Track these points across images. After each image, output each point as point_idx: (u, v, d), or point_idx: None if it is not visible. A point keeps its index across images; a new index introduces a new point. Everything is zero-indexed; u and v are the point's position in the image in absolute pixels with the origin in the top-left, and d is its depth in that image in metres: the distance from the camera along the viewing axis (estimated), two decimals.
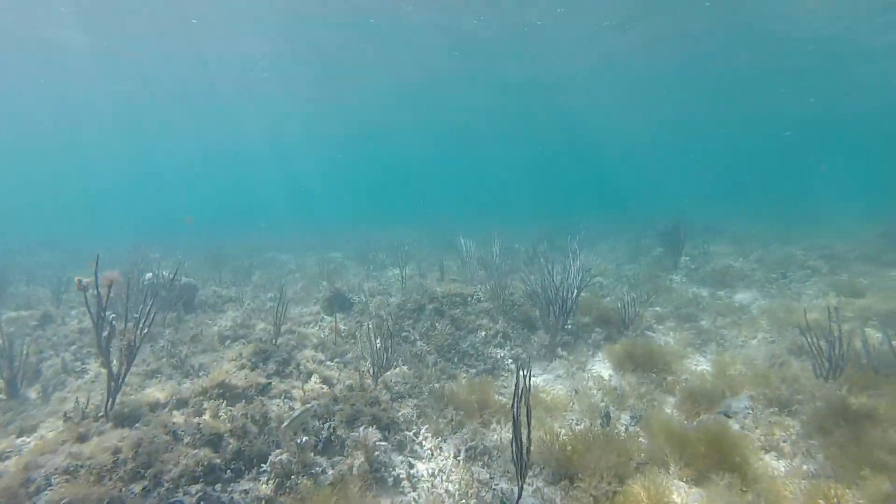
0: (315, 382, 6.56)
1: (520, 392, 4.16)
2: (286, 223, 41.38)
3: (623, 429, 6.05)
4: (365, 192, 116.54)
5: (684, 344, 9.08)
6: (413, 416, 5.96)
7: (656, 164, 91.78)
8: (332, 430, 5.32)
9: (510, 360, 8.44)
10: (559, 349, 8.81)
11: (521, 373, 4.18)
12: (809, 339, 6.63)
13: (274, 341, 7.57)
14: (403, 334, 8.79)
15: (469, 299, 10.18)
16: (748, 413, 6.17)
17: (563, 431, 5.67)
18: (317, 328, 9.48)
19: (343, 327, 9.26)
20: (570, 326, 9.42)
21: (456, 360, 8.22)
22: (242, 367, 6.44)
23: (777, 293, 11.91)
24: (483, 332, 8.97)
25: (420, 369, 7.57)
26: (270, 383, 6.17)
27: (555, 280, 9.17)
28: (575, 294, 9.06)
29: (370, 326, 9.05)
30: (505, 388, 7.67)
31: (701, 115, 41.86)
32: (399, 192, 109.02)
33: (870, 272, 12.64)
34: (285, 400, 5.93)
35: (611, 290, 13.38)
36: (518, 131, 48.92)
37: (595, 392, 7.30)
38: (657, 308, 11.45)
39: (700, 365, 8.37)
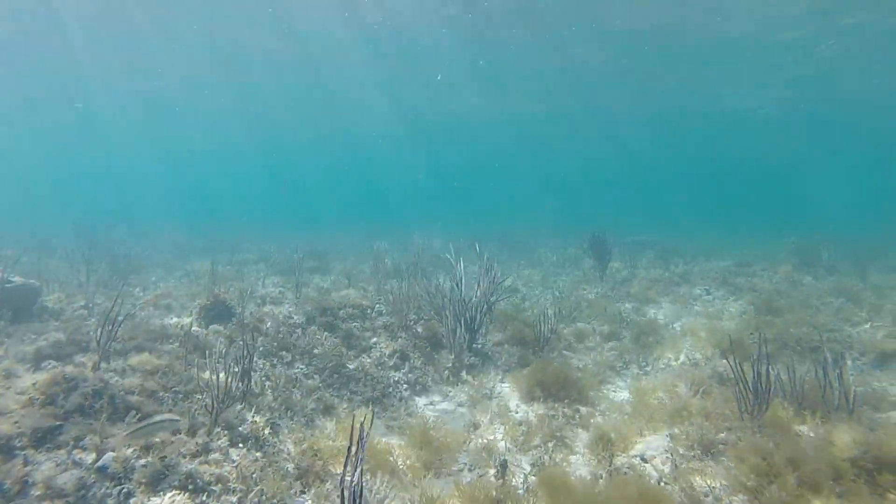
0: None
1: (354, 456, 2.91)
2: (264, 221, 38.38)
3: (522, 480, 4.94)
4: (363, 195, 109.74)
5: (604, 366, 8.19)
6: (234, 475, 4.52)
7: (602, 179, 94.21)
8: (125, 496, 3.86)
9: (406, 386, 7.20)
10: (464, 372, 7.67)
11: (357, 421, 2.93)
12: (734, 368, 5.82)
13: (96, 366, 5.91)
14: (281, 353, 7.34)
15: (369, 311, 8.87)
16: (667, 458, 5.23)
17: (444, 493, 4.48)
18: (176, 344, 7.83)
19: (218, 342, 7.68)
20: (479, 345, 8.31)
21: (338, 385, 6.88)
22: (29, 403, 4.81)
23: (700, 310, 11.42)
24: (378, 352, 7.68)
25: (290, 398, 6.16)
26: (62, 426, 4.59)
27: (462, 291, 8.05)
28: (484, 308, 7.97)
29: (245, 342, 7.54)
30: (394, 420, 6.41)
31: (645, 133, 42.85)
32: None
33: (785, 291, 12.46)
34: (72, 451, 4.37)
35: (536, 302, 12.49)
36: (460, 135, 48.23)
37: (497, 427, 6.19)
38: (579, 324, 10.60)
39: (619, 392, 7.49)
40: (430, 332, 8.43)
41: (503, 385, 7.53)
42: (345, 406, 6.47)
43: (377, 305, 9.04)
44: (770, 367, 5.68)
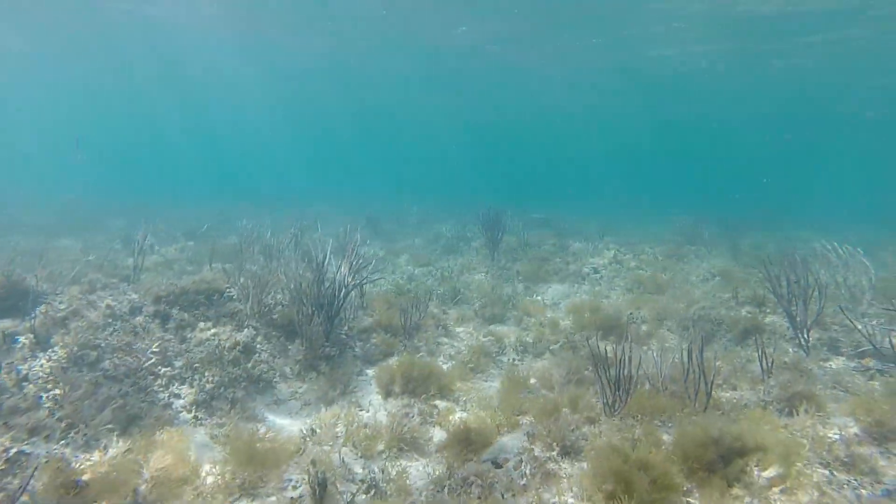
0: None
1: None
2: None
3: (347, 500, 4.12)
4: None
5: (479, 353, 7.58)
6: None
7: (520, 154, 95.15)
8: None
9: (244, 384, 6.14)
10: (323, 364, 6.73)
11: None
12: (596, 359, 5.35)
13: None
14: (84, 353, 5.97)
15: (216, 297, 7.63)
16: (520, 460, 4.64)
17: None
18: None
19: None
20: (342, 333, 7.39)
21: (153, 389, 5.68)
22: None
23: (588, 289, 11.25)
24: (214, 344, 6.53)
25: (78, 412, 4.91)
26: None
27: (323, 271, 7.06)
28: (344, 292, 7.04)
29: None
30: (220, 427, 5.36)
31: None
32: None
33: (670, 266, 12.69)
34: None
35: (421, 282, 11.74)
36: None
37: (340, 429, 5.33)
38: (463, 307, 10.00)
39: (490, 382, 6.91)
40: (286, 319, 7.37)
41: (361, 378, 6.69)
42: (157, 415, 5.31)
43: (227, 290, 7.80)
44: (633, 352, 5.28)
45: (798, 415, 5.05)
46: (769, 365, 6.07)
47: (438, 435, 5.36)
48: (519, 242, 15.22)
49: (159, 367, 5.98)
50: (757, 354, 6.36)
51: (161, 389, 5.76)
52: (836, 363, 6.85)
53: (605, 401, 5.27)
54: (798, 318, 7.20)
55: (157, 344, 6.29)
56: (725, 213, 21.00)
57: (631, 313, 9.07)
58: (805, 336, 7.09)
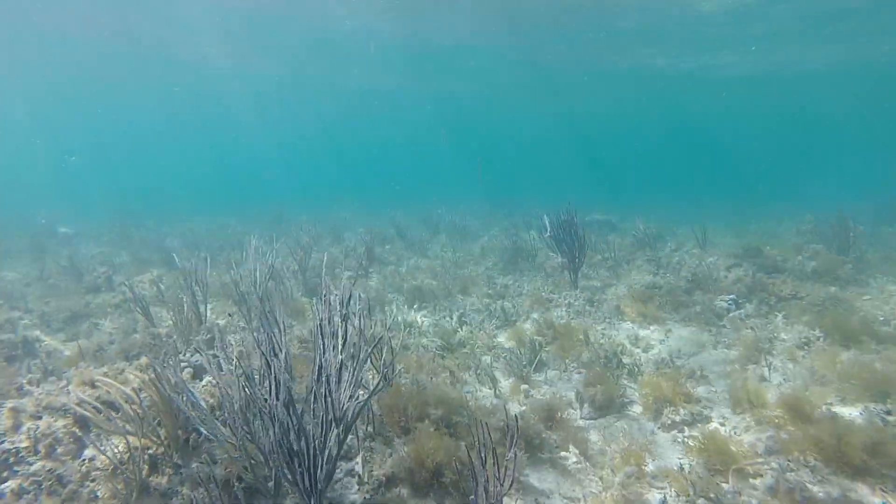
0: None
1: None
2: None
3: None
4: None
5: None
6: None
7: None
8: None
9: None
10: None
11: None
12: None
13: None
14: None
15: None
16: None
17: None
18: None
19: None
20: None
21: None
22: None
23: (734, 338, 7.25)
24: None
25: None
26: None
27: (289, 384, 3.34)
28: (340, 425, 3.29)
29: None
30: None
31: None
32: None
33: (840, 296, 8.53)
34: None
35: (474, 334, 7.98)
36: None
37: None
38: (550, 372, 6.19)
39: None
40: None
41: None
42: None
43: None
44: None
45: None
46: None
47: None
48: (598, 255, 11.24)
49: None
50: None
51: None
52: None
53: None
54: None
55: None
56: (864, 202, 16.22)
57: (854, 402, 5.04)
58: None
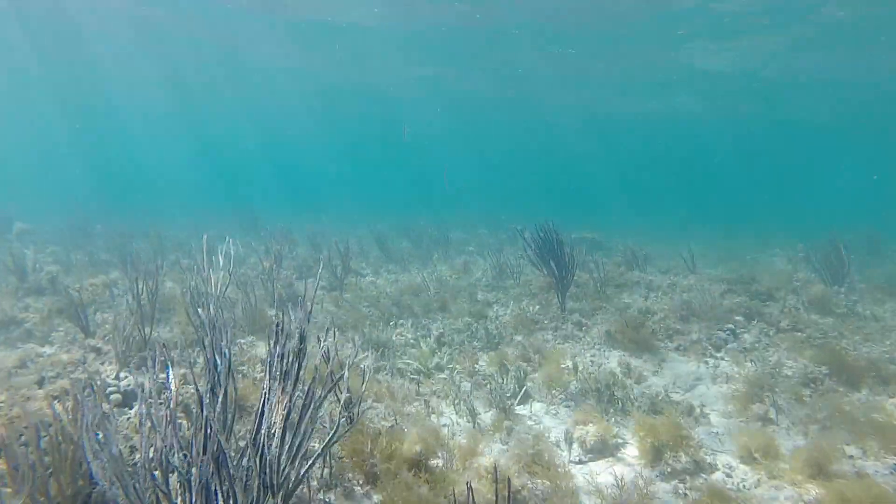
0: None
1: None
2: None
3: None
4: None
5: None
6: None
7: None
8: None
9: None
10: None
11: None
12: None
13: None
14: None
15: None
16: None
17: None
18: None
19: None
20: None
21: None
22: None
23: (733, 371, 6.72)
24: None
25: None
26: None
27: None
28: None
29: None
30: None
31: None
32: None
33: (838, 326, 8.10)
34: None
35: (458, 351, 7.34)
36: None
37: None
38: (535, 404, 5.55)
39: None
40: None
41: None
42: None
43: None
44: None
45: None
46: None
47: None
48: (590, 277, 10.70)
49: None
50: None
51: None
52: None
53: None
54: None
55: None
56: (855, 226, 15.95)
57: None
58: None
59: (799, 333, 7.74)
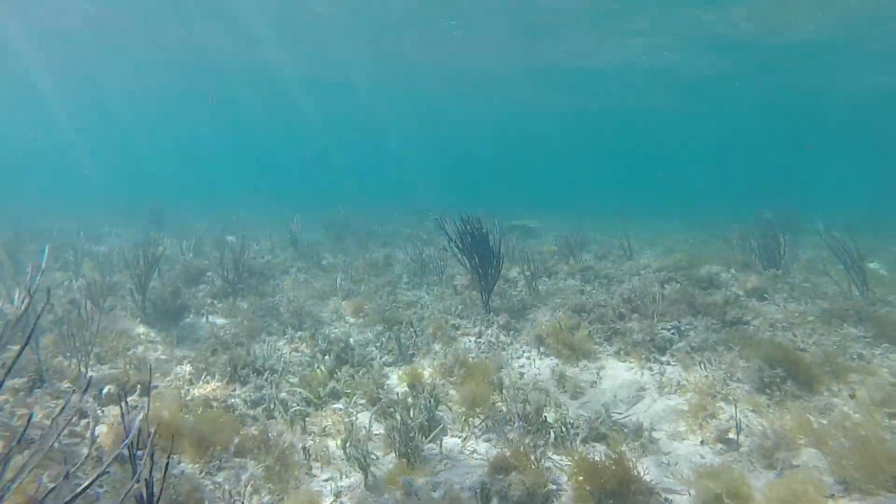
0: None
1: None
2: None
3: None
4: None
5: None
6: None
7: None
8: None
9: None
10: None
11: None
12: None
13: None
14: None
15: None
16: None
17: None
18: None
19: None
20: None
21: None
22: None
23: (681, 376, 5.79)
24: None
25: None
26: None
27: None
28: None
29: None
30: None
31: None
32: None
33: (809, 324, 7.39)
34: None
35: (367, 366, 5.98)
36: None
37: None
38: (449, 439, 4.32)
39: None
40: None
41: None
42: None
43: None
44: None
45: None
46: None
47: None
48: (520, 270, 9.61)
49: None
50: None
51: None
52: None
53: None
54: None
55: None
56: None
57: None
58: None
59: (746, 327, 6.96)
